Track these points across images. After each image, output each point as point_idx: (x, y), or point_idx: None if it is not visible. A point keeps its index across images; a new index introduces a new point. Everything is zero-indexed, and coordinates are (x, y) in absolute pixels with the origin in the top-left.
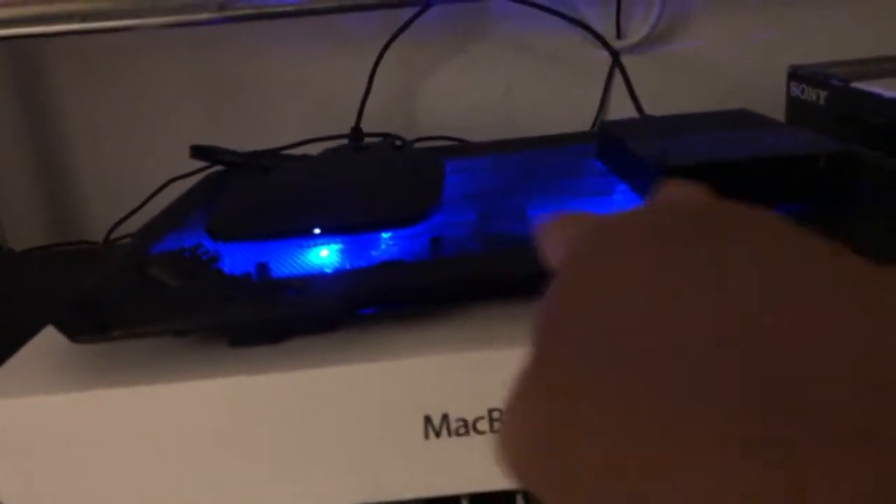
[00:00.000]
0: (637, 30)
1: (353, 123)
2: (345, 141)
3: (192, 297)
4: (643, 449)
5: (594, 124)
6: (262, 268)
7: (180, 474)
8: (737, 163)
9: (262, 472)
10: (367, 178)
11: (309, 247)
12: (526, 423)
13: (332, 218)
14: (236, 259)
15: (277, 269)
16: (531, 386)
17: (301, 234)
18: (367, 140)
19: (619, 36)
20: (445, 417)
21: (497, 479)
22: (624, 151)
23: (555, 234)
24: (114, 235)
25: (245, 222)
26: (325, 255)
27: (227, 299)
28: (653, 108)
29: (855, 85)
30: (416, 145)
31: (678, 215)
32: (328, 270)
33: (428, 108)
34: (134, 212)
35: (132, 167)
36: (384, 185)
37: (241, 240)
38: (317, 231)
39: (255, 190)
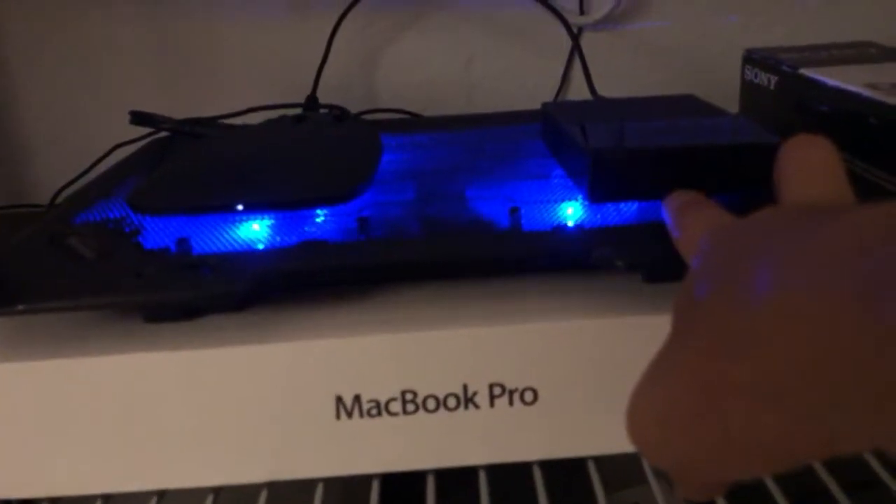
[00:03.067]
0: (600, 6)
1: (309, 92)
2: (299, 110)
3: (102, 272)
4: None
5: (555, 101)
6: (183, 243)
7: (87, 450)
8: (660, 151)
9: (174, 450)
10: (298, 152)
11: (236, 222)
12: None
13: (256, 194)
14: (160, 233)
15: (199, 244)
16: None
17: (222, 210)
18: (323, 111)
19: (581, 11)
20: (357, 398)
21: (406, 460)
22: (560, 135)
23: (690, 222)
24: (59, 200)
25: (165, 195)
26: (256, 230)
27: (137, 275)
28: (613, 86)
29: (803, 71)
30: (366, 117)
31: (798, 214)
32: (250, 248)
33: (387, 79)
34: (79, 177)
35: (81, 131)
36: (314, 161)
37: (160, 213)
38: (239, 208)
39: (184, 160)
